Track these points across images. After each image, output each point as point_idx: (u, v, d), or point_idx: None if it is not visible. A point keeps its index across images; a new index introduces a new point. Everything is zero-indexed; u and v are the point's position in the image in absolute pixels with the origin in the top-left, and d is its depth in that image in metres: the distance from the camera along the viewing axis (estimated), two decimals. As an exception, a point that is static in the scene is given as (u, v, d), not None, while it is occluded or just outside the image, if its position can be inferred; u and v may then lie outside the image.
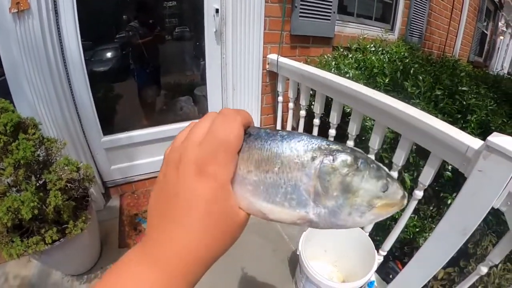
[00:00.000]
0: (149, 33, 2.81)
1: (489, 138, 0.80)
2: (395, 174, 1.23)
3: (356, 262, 1.39)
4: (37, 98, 1.44)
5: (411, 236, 1.49)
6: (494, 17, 7.08)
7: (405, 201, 0.36)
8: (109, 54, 3.25)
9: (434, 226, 1.39)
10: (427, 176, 1.10)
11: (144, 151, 1.91)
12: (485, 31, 6.68)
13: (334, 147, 0.34)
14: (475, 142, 0.88)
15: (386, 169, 0.36)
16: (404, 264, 1.35)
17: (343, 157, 0.33)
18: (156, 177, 0.35)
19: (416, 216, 1.50)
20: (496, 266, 1.19)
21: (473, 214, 0.89)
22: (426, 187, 1.13)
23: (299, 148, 0.33)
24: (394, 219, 1.49)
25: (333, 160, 0.33)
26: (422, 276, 1.12)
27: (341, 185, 0.32)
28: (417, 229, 1.49)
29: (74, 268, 1.48)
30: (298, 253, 1.24)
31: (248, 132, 0.34)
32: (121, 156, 1.88)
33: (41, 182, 1.34)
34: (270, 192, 0.33)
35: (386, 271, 1.56)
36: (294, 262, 1.59)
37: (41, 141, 1.33)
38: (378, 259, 1.36)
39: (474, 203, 0.88)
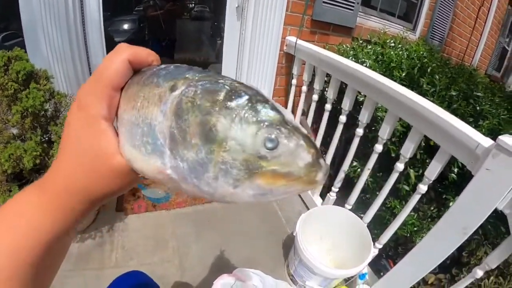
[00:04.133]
0: (169, 7, 2.79)
1: (501, 137, 0.79)
2: (400, 166, 1.21)
3: (351, 252, 1.38)
4: (52, 52, 1.43)
5: (408, 235, 1.48)
6: (518, 34, 6.93)
7: (318, 176, 0.25)
8: (126, 26, 3.26)
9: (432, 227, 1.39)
10: (433, 171, 1.08)
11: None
12: (507, 47, 6.55)
13: (209, 77, 0.26)
14: (485, 140, 0.86)
15: (288, 115, 0.26)
16: (395, 264, 1.34)
17: (211, 87, 0.25)
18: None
19: (416, 215, 1.49)
20: (488, 278, 1.19)
21: (475, 213, 0.88)
22: (431, 181, 1.11)
23: (164, 78, 0.27)
24: (393, 214, 1.48)
25: (196, 91, 0.25)
26: (415, 272, 1.12)
27: (202, 129, 0.24)
28: (415, 228, 1.48)
29: None
30: (294, 234, 1.24)
31: (142, 70, 0.30)
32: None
33: (47, 137, 1.35)
34: (133, 134, 0.27)
35: (378, 268, 1.56)
36: (288, 245, 1.59)
37: (51, 93, 1.32)
38: (374, 251, 1.35)
39: (478, 202, 0.87)
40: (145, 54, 0.30)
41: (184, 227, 1.66)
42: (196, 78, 0.26)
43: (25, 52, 1.28)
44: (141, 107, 0.27)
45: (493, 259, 0.92)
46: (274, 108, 0.25)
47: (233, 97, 0.24)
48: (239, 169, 0.24)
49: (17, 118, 1.21)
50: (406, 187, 1.42)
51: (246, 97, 0.25)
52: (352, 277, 1.40)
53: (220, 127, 0.24)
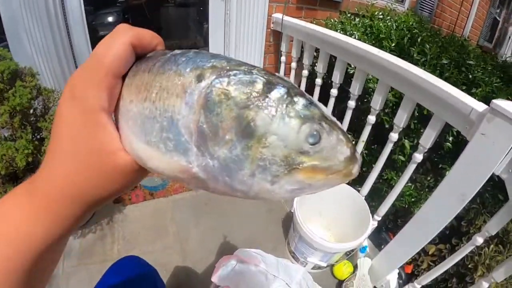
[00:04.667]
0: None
1: (495, 101, 0.78)
2: (394, 136, 1.20)
3: (350, 226, 1.39)
4: (36, 49, 1.40)
5: (406, 206, 1.48)
6: (508, 5, 6.87)
7: (355, 169, 0.24)
8: (110, 18, 3.19)
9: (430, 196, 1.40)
10: (428, 139, 1.07)
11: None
12: (498, 18, 6.50)
13: (240, 66, 0.23)
14: (479, 105, 0.85)
15: (325, 109, 0.25)
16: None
17: (245, 78, 0.23)
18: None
19: (413, 186, 1.49)
20: (488, 246, 1.20)
21: (472, 179, 0.87)
22: (426, 150, 1.11)
23: (186, 66, 0.24)
24: (390, 186, 1.48)
25: (229, 82, 0.22)
26: (415, 243, 1.12)
27: (238, 124, 0.22)
28: (413, 199, 1.48)
29: None
30: (292, 211, 1.24)
31: (148, 55, 0.27)
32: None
33: (38, 135, 1.33)
34: (147, 129, 0.24)
35: (379, 241, 1.57)
36: (288, 223, 1.60)
37: (38, 90, 1.30)
38: (373, 224, 1.36)
39: (474, 168, 0.86)
40: (149, 36, 0.26)
41: (183, 213, 1.66)
42: (226, 66, 0.23)
43: (8, 51, 1.25)
44: (157, 98, 0.23)
45: (493, 226, 0.92)
46: (312, 102, 0.24)
47: (272, 89, 0.23)
48: (279, 165, 0.22)
49: (6, 118, 1.19)
50: (402, 158, 1.42)
51: (285, 89, 0.23)
52: (352, 250, 1.41)
53: (259, 122, 0.22)
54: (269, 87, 0.22)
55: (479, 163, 0.84)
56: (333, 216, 1.48)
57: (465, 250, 0.99)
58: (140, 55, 0.26)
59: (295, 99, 0.23)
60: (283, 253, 1.50)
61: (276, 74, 0.24)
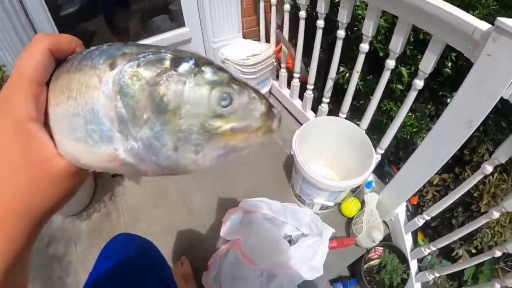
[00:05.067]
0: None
1: (500, 19, 0.69)
2: (391, 62, 1.13)
3: (353, 162, 1.36)
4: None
5: (408, 137, 1.44)
6: None
7: (274, 124, 0.25)
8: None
9: (432, 126, 1.35)
10: (427, 63, 0.99)
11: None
12: None
13: (149, 49, 0.24)
14: (482, 24, 0.75)
15: (234, 73, 0.26)
16: (399, 170, 1.33)
17: (153, 57, 0.24)
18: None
19: (414, 116, 1.44)
20: (492, 175, 1.16)
21: (480, 104, 0.80)
22: (426, 75, 1.03)
23: (100, 58, 0.24)
24: (390, 117, 1.44)
25: (139, 64, 0.23)
26: (423, 173, 1.08)
27: (152, 101, 0.22)
28: (415, 129, 1.44)
29: (71, 208, 1.46)
30: (292, 153, 1.20)
31: (68, 58, 0.27)
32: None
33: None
34: (74, 126, 0.24)
35: (382, 175, 1.55)
36: (290, 167, 1.57)
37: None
38: (376, 158, 1.32)
39: (481, 91, 0.79)
40: (66, 40, 0.27)
41: (184, 173, 1.62)
42: (136, 51, 0.24)
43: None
44: (78, 94, 0.24)
45: (502, 154, 0.87)
46: (220, 68, 0.25)
47: (180, 63, 0.24)
48: (198, 134, 0.23)
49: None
50: (400, 86, 1.36)
51: (192, 61, 0.24)
52: (358, 187, 1.39)
53: (171, 95, 0.23)
54: (177, 62, 0.24)
55: (485, 87, 0.77)
56: (334, 153, 1.44)
57: (474, 179, 0.94)
58: (60, 59, 0.27)
59: (203, 68, 0.24)
60: (289, 198, 1.49)
61: (185, 50, 0.25)
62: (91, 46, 0.27)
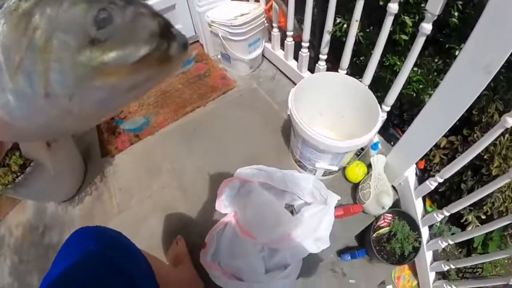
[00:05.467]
0: None
1: None
2: (393, 6, 1.00)
3: (357, 122, 1.24)
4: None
5: (414, 94, 1.33)
6: None
7: (173, 47, 0.20)
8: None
9: (440, 81, 1.24)
10: (435, 3, 0.86)
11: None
12: None
13: None
14: None
15: None
16: (404, 132, 1.23)
17: None
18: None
19: (420, 71, 1.32)
20: (503, 135, 1.10)
21: (498, 45, 0.68)
22: (435, 17, 0.90)
23: None
24: (394, 73, 1.32)
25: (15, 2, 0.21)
26: (434, 131, 0.97)
27: (24, 35, 0.20)
28: (421, 86, 1.32)
29: (63, 193, 1.42)
30: (288, 113, 1.09)
31: None
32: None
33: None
34: None
35: (387, 138, 1.44)
36: (287, 131, 1.47)
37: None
38: (382, 116, 1.20)
39: (499, 31, 0.66)
40: None
41: (173, 146, 1.54)
42: None
43: None
44: None
45: None
46: None
47: None
48: (69, 70, 0.19)
49: None
50: (404, 36, 1.23)
51: None
52: (363, 149, 1.29)
53: (44, 23, 0.19)
54: None
55: (503, 27, 0.65)
56: (335, 114, 1.32)
57: (494, 132, 0.83)
58: None
59: None
60: (289, 164, 1.39)
61: None
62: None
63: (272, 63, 1.85)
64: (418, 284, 1.40)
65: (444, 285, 1.24)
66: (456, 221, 1.38)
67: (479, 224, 1.25)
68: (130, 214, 1.34)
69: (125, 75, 0.20)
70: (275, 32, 1.62)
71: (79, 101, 0.20)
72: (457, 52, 1.15)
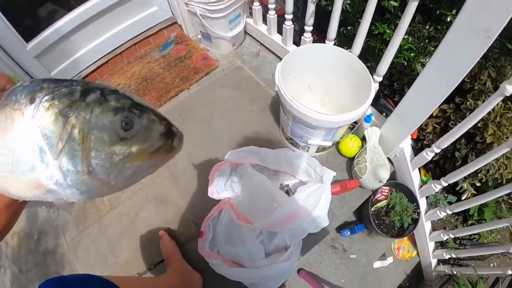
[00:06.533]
0: None
1: None
2: None
3: (348, 95, 1.20)
4: None
5: (406, 63, 1.28)
6: None
7: (174, 142, 0.32)
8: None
9: (433, 49, 1.18)
10: None
11: (80, 38, 1.56)
12: None
13: (64, 83, 0.29)
14: None
15: (137, 98, 0.31)
16: (396, 103, 1.19)
17: (66, 90, 0.28)
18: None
19: (411, 38, 1.27)
20: (497, 103, 1.06)
21: (498, 9, 0.63)
22: None
23: (22, 93, 0.28)
24: (384, 41, 1.26)
25: (53, 97, 0.27)
26: (430, 99, 0.92)
27: (65, 130, 0.26)
28: (412, 54, 1.27)
29: None
30: (276, 90, 1.03)
31: None
32: (57, 56, 1.53)
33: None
34: (2, 160, 0.28)
35: (379, 109, 1.41)
36: (276, 108, 1.42)
37: None
38: (375, 86, 1.16)
39: None
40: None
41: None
42: (52, 85, 0.28)
43: None
44: (4, 128, 0.27)
45: None
46: (124, 96, 0.30)
47: (88, 94, 0.28)
48: (106, 157, 0.27)
49: None
50: (394, 2, 1.17)
51: (99, 91, 0.29)
52: (356, 123, 1.25)
53: (80, 123, 0.27)
54: (86, 93, 0.28)
55: None
56: (325, 87, 1.27)
57: (493, 100, 0.79)
58: None
59: (108, 97, 0.29)
60: (280, 143, 1.35)
61: (97, 82, 0.31)
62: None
63: (256, 39, 1.77)
64: (417, 253, 1.41)
65: (444, 253, 1.24)
66: (451, 188, 1.38)
67: (474, 192, 1.25)
68: (123, 209, 1.30)
69: (145, 160, 0.29)
70: (256, 6, 1.53)
71: (115, 177, 0.28)
72: (449, 18, 1.11)
